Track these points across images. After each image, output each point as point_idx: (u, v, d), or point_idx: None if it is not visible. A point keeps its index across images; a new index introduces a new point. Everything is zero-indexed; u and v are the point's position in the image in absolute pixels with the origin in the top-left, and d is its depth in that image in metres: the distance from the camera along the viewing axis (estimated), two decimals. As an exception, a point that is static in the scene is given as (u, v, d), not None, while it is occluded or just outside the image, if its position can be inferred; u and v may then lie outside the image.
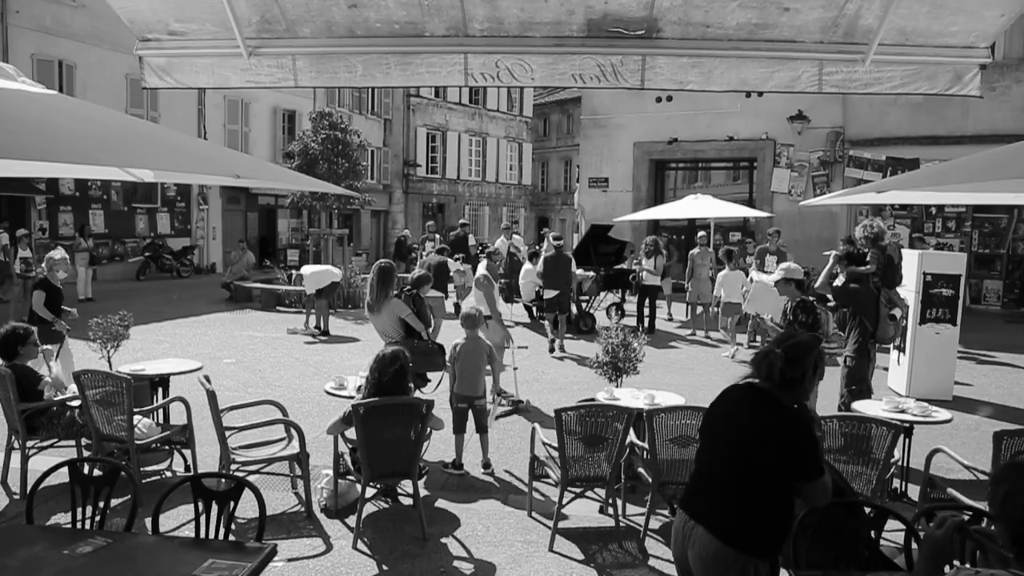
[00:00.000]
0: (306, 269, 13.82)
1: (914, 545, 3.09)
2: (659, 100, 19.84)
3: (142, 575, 2.51)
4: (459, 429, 6.05)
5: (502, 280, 15.23)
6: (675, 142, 20.55)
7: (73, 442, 5.62)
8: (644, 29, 4.73)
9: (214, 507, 3.15)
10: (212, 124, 25.59)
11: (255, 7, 4.83)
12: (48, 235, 20.55)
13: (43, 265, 7.58)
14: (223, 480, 3.48)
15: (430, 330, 6.78)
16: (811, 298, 6.22)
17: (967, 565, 2.01)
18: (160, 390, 6.28)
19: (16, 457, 5.55)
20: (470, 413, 6.05)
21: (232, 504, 3.14)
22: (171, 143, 4.22)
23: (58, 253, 7.56)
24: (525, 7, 4.68)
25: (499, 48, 4.96)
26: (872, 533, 3.23)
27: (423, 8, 4.76)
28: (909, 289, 9.31)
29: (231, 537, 3.15)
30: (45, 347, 6.35)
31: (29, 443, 5.39)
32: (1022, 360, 11.46)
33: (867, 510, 3.32)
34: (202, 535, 3.14)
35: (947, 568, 2.14)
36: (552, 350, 11.56)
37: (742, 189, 21.14)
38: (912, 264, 9.45)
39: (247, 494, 3.20)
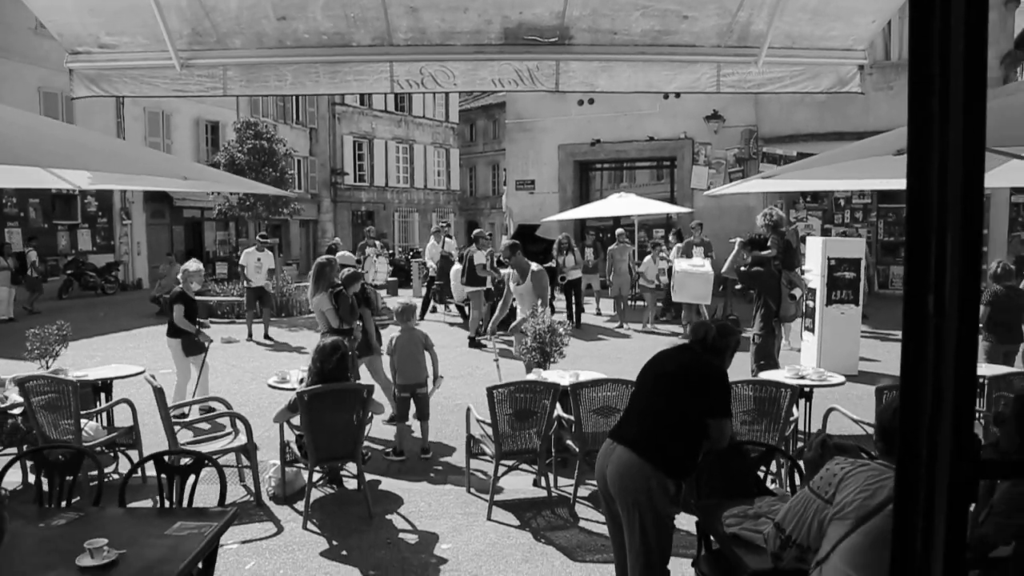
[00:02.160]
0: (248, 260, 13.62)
1: (797, 481, 3.59)
2: (581, 103, 20.42)
3: (116, 537, 2.77)
4: (401, 418, 6.37)
5: (436, 282, 15.58)
6: (598, 143, 21.21)
7: (15, 450, 5.70)
8: (557, 36, 5.12)
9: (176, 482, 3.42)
10: (132, 136, 25.08)
11: (186, 21, 5.03)
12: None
13: (179, 277, 7.62)
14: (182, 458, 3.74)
15: (356, 324, 6.97)
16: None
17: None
18: (103, 394, 6.40)
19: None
20: (412, 402, 6.37)
21: (193, 478, 3.42)
22: (110, 146, 4.43)
23: (193, 265, 7.65)
24: (446, 18, 5.01)
25: (422, 56, 5.27)
26: (760, 472, 3.73)
27: (349, 20, 5.05)
28: (815, 273, 10.06)
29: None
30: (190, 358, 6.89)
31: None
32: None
33: (753, 453, 3.84)
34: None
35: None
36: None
37: (665, 187, 21.96)
38: (817, 250, 10.21)
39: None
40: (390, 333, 6.57)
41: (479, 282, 12.49)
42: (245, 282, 13.54)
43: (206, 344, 7.44)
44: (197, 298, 15.26)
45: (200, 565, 2.94)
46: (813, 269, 10.13)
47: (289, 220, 27.82)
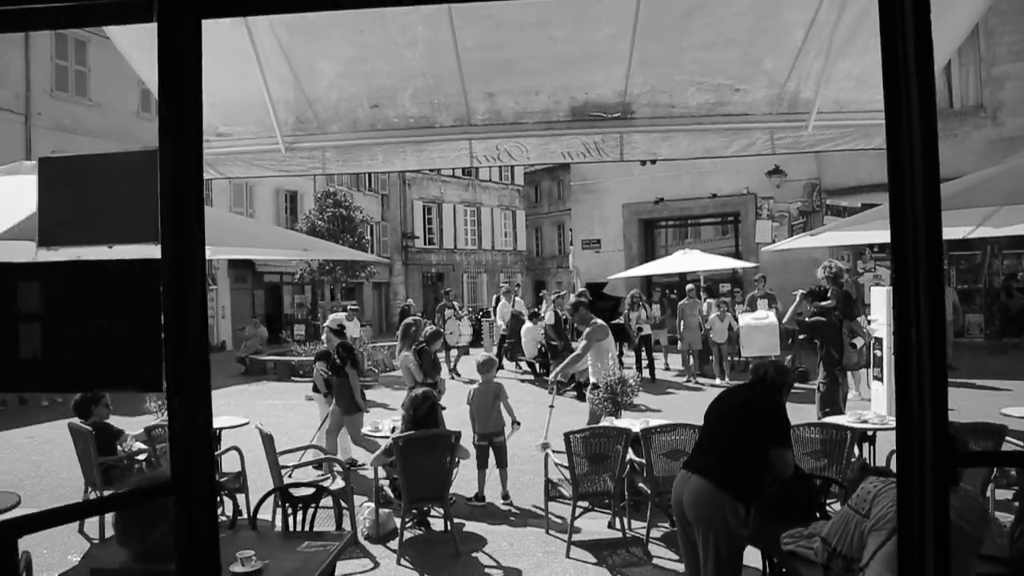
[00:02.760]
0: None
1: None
2: (643, 164, 20.95)
3: (257, 552, 3.29)
4: (481, 464, 6.82)
5: (507, 340, 16.11)
6: (661, 201, 21.69)
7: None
8: (620, 112, 5.65)
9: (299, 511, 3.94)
10: (219, 205, 26.74)
11: (292, 111, 5.76)
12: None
13: (323, 336, 8.58)
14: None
15: (439, 378, 7.57)
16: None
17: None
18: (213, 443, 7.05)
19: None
20: (490, 450, 6.82)
21: (313, 508, 3.94)
22: (244, 226, 5.13)
23: (342, 318, 8.64)
24: (519, 100, 5.61)
25: (498, 134, 5.86)
26: (821, 500, 4.05)
27: (433, 105, 5.70)
28: (881, 322, 10.17)
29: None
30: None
31: (106, 493, 6.14)
32: (1001, 384, 12.21)
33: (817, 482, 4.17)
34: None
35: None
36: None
37: (730, 242, 22.19)
38: (882, 300, 10.33)
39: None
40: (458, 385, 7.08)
41: (563, 337, 13.50)
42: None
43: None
44: (280, 359, 16.25)
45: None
46: (879, 318, 10.25)
47: (363, 283, 28.92)
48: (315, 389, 8.54)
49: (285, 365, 17.60)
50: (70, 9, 1.90)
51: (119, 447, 6.31)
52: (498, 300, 17.90)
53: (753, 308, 13.63)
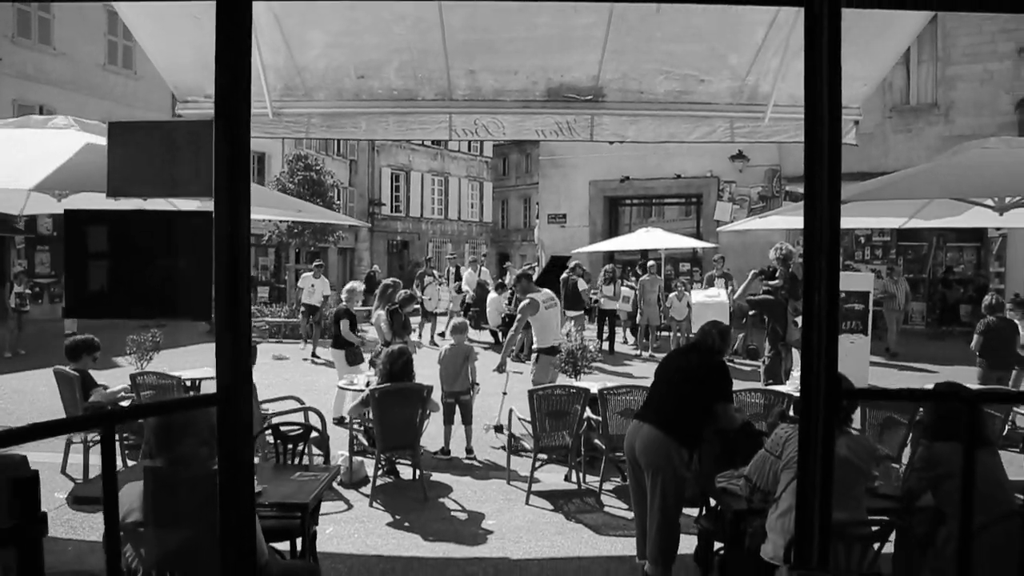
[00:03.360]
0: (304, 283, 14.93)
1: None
2: (611, 143, 21.36)
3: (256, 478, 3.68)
4: (448, 420, 7.26)
5: (472, 308, 16.54)
6: (627, 180, 22.18)
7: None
8: (592, 95, 6.05)
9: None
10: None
11: (281, 78, 6.04)
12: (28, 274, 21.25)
13: (343, 296, 8.93)
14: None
15: (408, 338, 7.96)
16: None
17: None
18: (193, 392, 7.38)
19: (74, 449, 6.59)
20: (456, 408, 7.26)
21: (302, 444, 4.35)
22: (259, 191, 5.44)
23: (358, 286, 9.15)
24: (499, 79, 5.96)
25: (477, 109, 6.20)
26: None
27: (417, 79, 6.02)
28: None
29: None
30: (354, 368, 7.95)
31: (90, 436, 6.45)
32: (935, 367, 12.97)
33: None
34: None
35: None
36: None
37: (692, 223, 22.82)
38: (829, 283, 10.98)
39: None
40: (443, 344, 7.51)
41: (580, 306, 14.20)
42: (301, 304, 14.64)
43: (363, 353, 8.58)
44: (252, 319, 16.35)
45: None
46: (825, 301, 10.90)
47: (329, 247, 29.03)
48: (338, 345, 8.63)
49: (254, 327, 17.80)
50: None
51: (91, 396, 6.59)
52: (457, 272, 18.17)
53: (711, 285, 14.23)
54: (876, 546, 3.13)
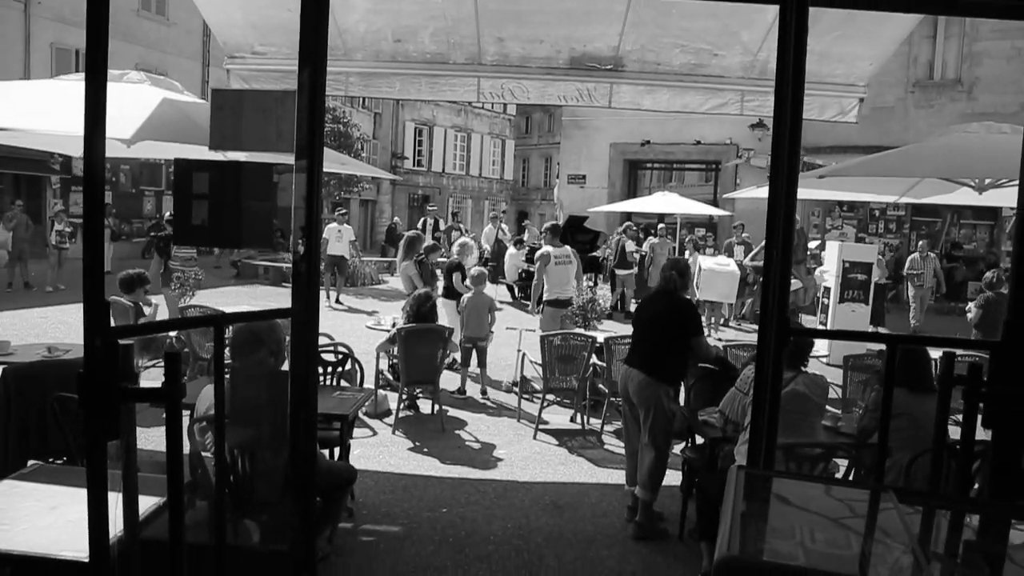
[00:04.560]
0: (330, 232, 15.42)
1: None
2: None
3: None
4: (465, 363, 7.87)
5: (490, 263, 17.10)
6: (647, 144, 22.46)
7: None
8: (612, 65, 6.47)
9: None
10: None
11: (323, 38, 6.50)
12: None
13: (455, 250, 9.59)
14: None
15: (435, 286, 8.56)
16: None
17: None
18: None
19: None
20: (474, 352, 7.86)
21: (342, 368, 4.96)
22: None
23: (470, 241, 9.88)
24: (525, 47, 6.40)
25: (504, 75, 6.64)
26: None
27: (450, 44, 6.47)
28: (831, 274, 11.28)
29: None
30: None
31: (141, 362, 7.10)
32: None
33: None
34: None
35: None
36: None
37: (710, 189, 23.16)
38: (833, 254, 11.43)
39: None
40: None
41: (628, 266, 14.90)
42: (325, 250, 15.20)
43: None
44: (273, 264, 17.13)
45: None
46: (830, 270, 11.36)
47: (352, 199, 29.58)
48: (448, 296, 8.93)
49: (277, 271, 18.49)
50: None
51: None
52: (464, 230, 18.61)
53: (730, 254, 14.58)
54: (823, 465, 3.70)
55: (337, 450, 4.64)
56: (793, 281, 8.39)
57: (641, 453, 4.77)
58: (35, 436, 4.00)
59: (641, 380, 4.73)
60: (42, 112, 4.78)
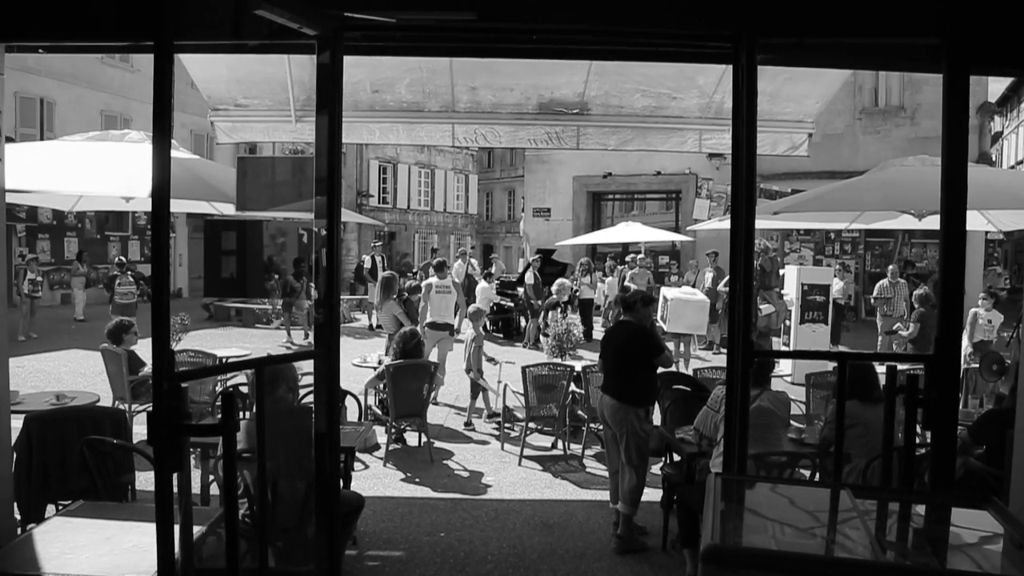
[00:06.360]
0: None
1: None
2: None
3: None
4: (473, 396, 8.26)
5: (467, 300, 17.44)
6: (609, 176, 23.13)
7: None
8: (578, 109, 6.90)
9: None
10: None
11: (304, 90, 6.83)
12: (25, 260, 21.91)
13: (553, 289, 10.62)
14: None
15: (419, 325, 8.92)
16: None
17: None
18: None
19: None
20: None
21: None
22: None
23: (567, 283, 10.73)
24: (496, 94, 6.80)
25: (477, 120, 7.03)
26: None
27: (425, 93, 6.85)
28: (790, 297, 11.82)
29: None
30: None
31: (134, 406, 7.29)
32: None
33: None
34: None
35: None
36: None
37: (671, 217, 23.85)
38: (793, 277, 11.99)
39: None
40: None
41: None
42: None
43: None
44: (244, 306, 17.22)
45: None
46: (789, 293, 11.90)
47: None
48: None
49: (249, 312, 18.59)
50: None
51: (140, 371, 7.43)
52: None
53: (696, 283, 15.06)
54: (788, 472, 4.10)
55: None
56: (766, 306, 8.88)
57: (621, 471, 5.12)
58: (55, 479, 4.21)
59: (613, 405, 5.12)
60: (39, 170, 5.05)
